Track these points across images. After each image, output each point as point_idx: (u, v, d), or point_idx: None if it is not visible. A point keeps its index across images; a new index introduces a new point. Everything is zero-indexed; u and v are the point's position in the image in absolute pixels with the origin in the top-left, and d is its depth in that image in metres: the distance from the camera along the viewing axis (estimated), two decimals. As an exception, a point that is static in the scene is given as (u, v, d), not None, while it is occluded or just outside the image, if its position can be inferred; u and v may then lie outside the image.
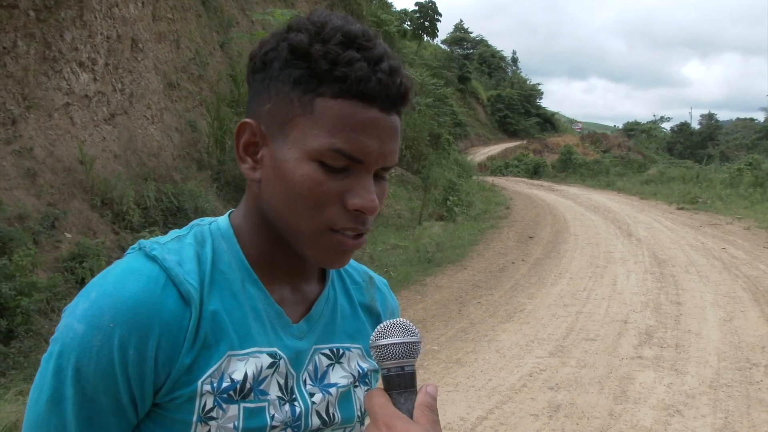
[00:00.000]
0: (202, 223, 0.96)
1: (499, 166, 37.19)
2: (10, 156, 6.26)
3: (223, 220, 0.96)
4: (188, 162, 9.15)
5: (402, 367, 0.80)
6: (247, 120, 0.90)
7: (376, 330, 0.83)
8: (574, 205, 19.91)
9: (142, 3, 8.82)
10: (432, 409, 0.78)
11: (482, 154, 41.80)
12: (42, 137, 6.66)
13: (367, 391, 0.96)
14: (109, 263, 6.71)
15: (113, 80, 7.94)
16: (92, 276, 5.98)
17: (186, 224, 0.97)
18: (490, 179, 27.64)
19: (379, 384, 0.85)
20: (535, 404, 4.90)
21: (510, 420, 4.61)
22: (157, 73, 8.99)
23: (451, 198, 15.96)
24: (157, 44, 9.21)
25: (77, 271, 5.98)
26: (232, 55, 11.64)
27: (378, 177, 0.89)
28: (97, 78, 7.62)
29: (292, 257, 0.94)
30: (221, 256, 0.91)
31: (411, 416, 0.77)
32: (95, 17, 7.66)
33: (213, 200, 8.56)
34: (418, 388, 0.81)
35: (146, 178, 7.88)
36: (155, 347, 0.82)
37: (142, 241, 0.90)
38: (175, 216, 7.75)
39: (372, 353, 0.83)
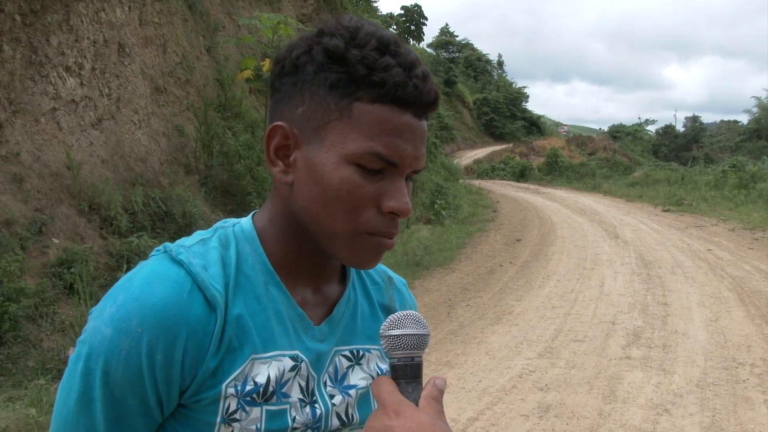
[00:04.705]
0: (226, 225, 0.97)
1: (486, 170, 37.29)
2: (-4, 161, 6.22)
3: (246, 222, 0.97)
4: (176, 167, 9.12)
5: (411, 358, 0.83)
6: (279, 123, 0.90)
7: (387, 320, 0.85)
8: (560, 207, 20.00)
9: (129, 7, 8.80)
10: (438, 401, 0.80)
11: (469, 157, 41.88)
12: (29, 142, 6.63)
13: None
14: (97, 268, 6.64)
15: (100, 85, 7.91)
16: (81, 281, 5.93)
17: (173, 229, 0.98)
18: (476, 182, 27.71)
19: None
20: (525, 405, 4.93)
21: (501, 421, 4.64)
22: (144, 78, 8.96)
23: (438, 201, 15.98)
24: (144, 49, 9.18)
25: (65, 277, 5.95)
26: (219, 60, 11.61)
27: (407, 180, 0.91)
28: (84, 83, 7.59)
29: (315, 259, 0.96)
30: (245, 259, 0.92)
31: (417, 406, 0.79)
32: (82, 22, 7.64)
33: (201, 205, 8.53)
34: (424, 380, 0.83)
35: (134, 183, 7.84)
36: (182, 352, 0.83)
37: (167, 243, 0.91)
38: (163, 221, 7.72)
39: (382, 342, 0.84)
